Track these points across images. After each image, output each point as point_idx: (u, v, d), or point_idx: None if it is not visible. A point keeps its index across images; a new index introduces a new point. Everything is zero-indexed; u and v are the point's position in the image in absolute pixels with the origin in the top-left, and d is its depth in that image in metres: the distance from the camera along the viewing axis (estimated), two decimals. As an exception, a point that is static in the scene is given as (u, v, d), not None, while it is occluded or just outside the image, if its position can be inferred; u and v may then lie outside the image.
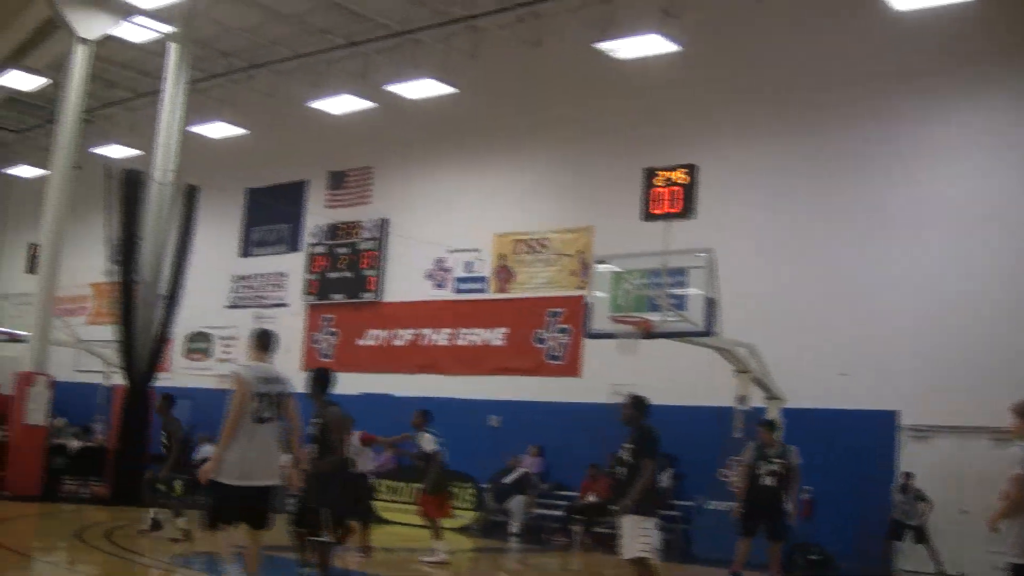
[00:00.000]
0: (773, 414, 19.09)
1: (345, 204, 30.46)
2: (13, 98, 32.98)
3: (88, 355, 33.57)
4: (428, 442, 16.94)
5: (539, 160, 26.56)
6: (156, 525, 17.02)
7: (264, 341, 10.43)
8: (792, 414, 19.31)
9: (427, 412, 17.40)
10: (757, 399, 19.31)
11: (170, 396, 17.89)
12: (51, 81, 27.33)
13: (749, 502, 16.57)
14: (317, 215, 30.83)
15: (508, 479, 23.79)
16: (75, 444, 25.71)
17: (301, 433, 10.49)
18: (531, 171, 26.66)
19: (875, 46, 21.76)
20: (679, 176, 18.60)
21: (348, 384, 27.53)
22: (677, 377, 21.71)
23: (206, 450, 26.43)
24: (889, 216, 21.23)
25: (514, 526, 23.40)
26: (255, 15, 28.23)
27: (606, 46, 21.92)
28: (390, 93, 25.83)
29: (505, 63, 27.09)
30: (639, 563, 11.49)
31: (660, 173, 18.76)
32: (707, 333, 18.16)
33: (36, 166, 35.38)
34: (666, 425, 13.87)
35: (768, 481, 16.39)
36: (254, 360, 10.31)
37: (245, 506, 9.97)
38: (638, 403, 12.38)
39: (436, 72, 24.95)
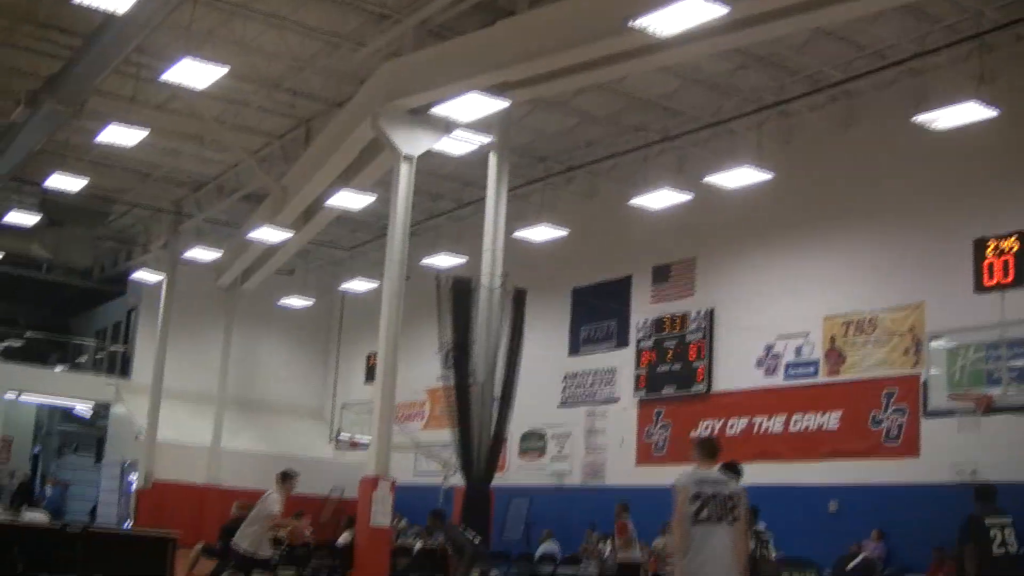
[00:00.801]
0: None
1: (670, 297, 30.58)
2: (344, 217, 34.60)
3: (426, 458, 34.66)
4: None
5: (862, 239, 26.07)
6: None
7: (704, 448, 10.13)
8: None
9: None
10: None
11: (439, 511, 18.54)
12: (377, 198, 28.51)
13: None
14: (643, 310, 31.06)
15: (851, 565, 23.21)
16: (417, 545, 26.43)
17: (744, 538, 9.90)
18: (855, 250, 26.18)
19: None
20: (1011, 244, 18.12)
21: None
22: (1022, 453, 20.87)
23: (546, 547, 26.91)
24: None
25: (859, 613, 22.80)
26: (569, 119, 28.99)
27: (922, 118, 21.38)
28: (707, 184, 25.90)
29: (819, 145, 26.90)
30: None
31: (992, 242, 18.33)
32: (1052, 405, 17.48)
33: (369, 279, 36.91)
34: (1015, 505, 13.52)
35: None
36: (696, 467, 9.97)
37: None
38: (979, 491, 12.73)
39: (751, 159, 24.92)
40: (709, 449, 10.10)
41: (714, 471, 9.92)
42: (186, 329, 40.05)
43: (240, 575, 17.28)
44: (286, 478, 17.65)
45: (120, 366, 43.55)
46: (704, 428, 28.71)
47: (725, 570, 9.51)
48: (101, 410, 43.79)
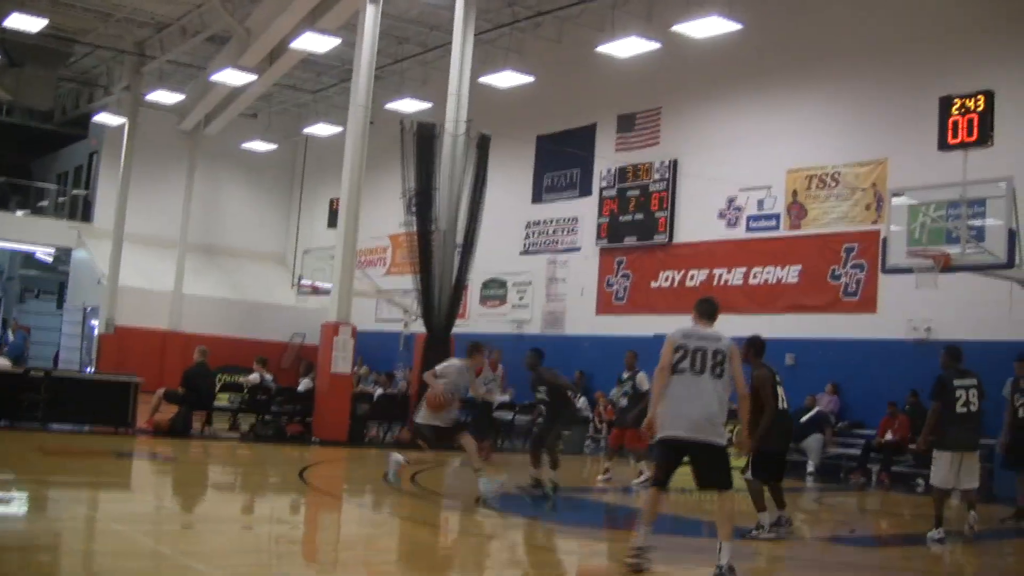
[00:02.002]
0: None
1: (634, 146, 30.48)
2: (309, 60, 34.22)
3: (388, 305, 34.77)
4: (643, 381, 17.66)
5: (829, 93, 25.97)
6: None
7: (700, 307, 10.58)
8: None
9: (636, 353, 18.40)
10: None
11: (539, 350, 17.31)
12: (343, 41, 28.17)
13: (1011, 436, 16.24)
14: (607, 159, 30.94)
15: (804, 418, 23.55)
16: (378, 391, 26.62)
17: (740, 391, 10.41)
18: (821, 104, 26.11)
19: None
20: (976, 104, 18.08)
21: (642, 326, 27.84)
22: (977, 311, 21.12)
23: (499, 395, 27.09)
24: None
25: (810, 465, 23.19)
26: (541, -38, 28.54)
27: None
28: (676, 33, 25.51)
29: (792, -5, 26.68)
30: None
31: (957, 100, 18.27)
32: (1008, 265, 17.60)
33: (333, 123, 36.69)
34: (968, 362, 14.01)
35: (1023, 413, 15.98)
36: (693, 323, 10.46)
37: (684, 461, 10.17)
38: (950, 352, 14.25)
39: (722, 9, 24.59)
40: (705, 309, 10.59)
41: (709, 329, 10.33)
42: (148, 173, 39.76)
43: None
44: (474, 351, 16.13)
45: (82, 210, 43.28)
46: (665, 279, 28.89)
47: (698, 417, 9.95)
48: (63, 255, 43.68)
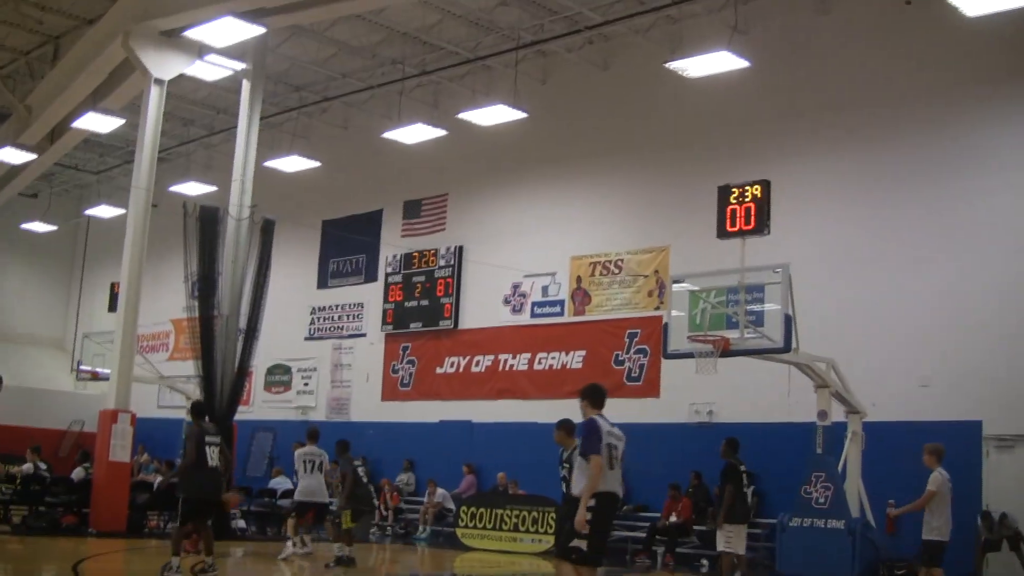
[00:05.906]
0: (855, 428, 18.99)
1: (420, 232, 30.59)
2: (91, 140, 33.48)
3: (170, 391, 33.96)
4: None
5: (612, 182, 26.52)
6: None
7: None
8: (873, 428, 19.16)
9: None
10: (838, 414, 19.16)
11: (345, 441, 19.33)
12: (127, 121, 27.68)
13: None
14: (393, 245, 30.94)
15: (590, 502, 23.62)
16: (158, 480, 25.87)
17: None
18: (605, 193, 26.64)
19: (943, 55, 21.55)
20: (753, 193, 18.56)
21: (427, 412, 27.79)
22: (756, 394, 21.67)
23: (278, 481, 26.72)
24: (967, 226, 20.95)
25: (596, 548, 23.25)
26: (326, 49, 28.46)
27: (675, 65, 21.82)
28: (462, 120, 25.89)
29: (575, 86, 27.20)
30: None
31: (735, 190, 18.74)
32: (785, 349, 18.03)
33: (115, 205, 35.92)
34: (746, 443, 14.54)
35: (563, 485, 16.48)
36: None
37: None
38: (730, 443, 16.75)
39: (507, 98, 25.02)
40: None
41: None
42: (-83, 251, 38.28)
43: None
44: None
45: None
46: (450, 365, 28.91)
47: None
48: None
